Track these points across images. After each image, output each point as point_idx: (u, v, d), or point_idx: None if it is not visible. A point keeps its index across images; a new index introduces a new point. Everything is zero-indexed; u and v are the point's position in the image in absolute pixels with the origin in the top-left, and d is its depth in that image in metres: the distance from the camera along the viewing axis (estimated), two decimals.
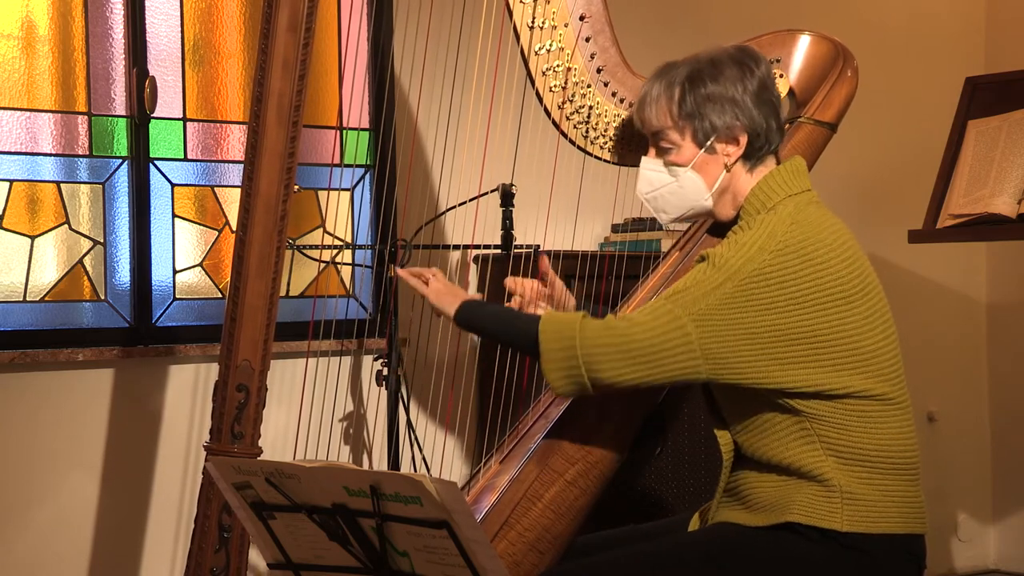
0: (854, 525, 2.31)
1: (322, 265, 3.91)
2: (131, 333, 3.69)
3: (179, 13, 3.79)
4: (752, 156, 2.44)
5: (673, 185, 2.47)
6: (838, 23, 3.74)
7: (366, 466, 3.86)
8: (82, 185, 3.68)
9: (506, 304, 2.72)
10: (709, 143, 2.42)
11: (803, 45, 2.91)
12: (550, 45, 2.70)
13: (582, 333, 2.34)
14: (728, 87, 2.40)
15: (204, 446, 2.90)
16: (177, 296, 3.79)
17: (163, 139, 3.78)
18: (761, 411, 2.36)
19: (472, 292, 2.61)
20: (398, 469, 3.59)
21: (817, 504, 2.32)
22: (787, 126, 2.92)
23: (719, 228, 2.52)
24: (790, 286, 2.28)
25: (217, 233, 3.87)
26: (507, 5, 2.69)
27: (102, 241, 3.69)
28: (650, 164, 2.50)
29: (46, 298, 3.63)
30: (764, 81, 2.43)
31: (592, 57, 2.73)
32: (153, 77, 3.71)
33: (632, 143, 2.75)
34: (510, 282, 2.72)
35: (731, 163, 2.43)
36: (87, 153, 3.68)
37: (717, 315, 2.28)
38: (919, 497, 2.39)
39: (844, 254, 2.34)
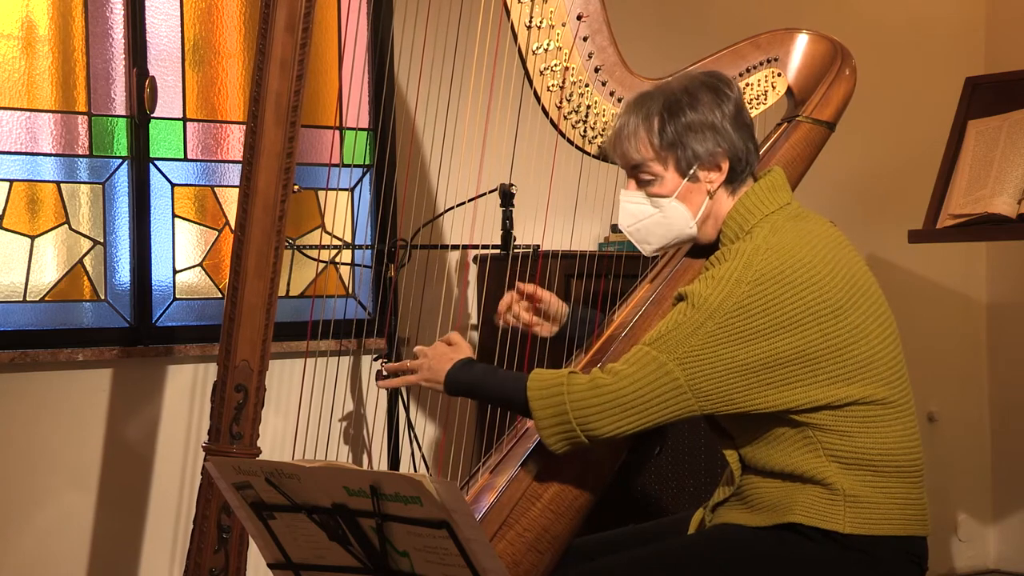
0: (856, 527, 2.31)
1: (321, 265, 3.91)
2: (131, 333, 3.69)
3: (179, 13, 3.79)
4: (734, 180, 2.43)
5: (657, 216, 2.46)
6: (837, 23, 3.75)
7: (366, 466, 3.86)
8: (82, 185, 3.68)
9: (504, 299, 2.73)
10: (692, 171, 2.42)
11: (801, 44, 2.91)
12: (548, 44, 2.70)
13: (571, 397, 2.33)
14: (707, 114, 2.39)
15: (203, 446, 2.90)
16: (177, 296, 3.79)
17: (163, 139, 3.78)
18: (764, 426, 2.35)
19: (464, 347, 2.59)
20: (398, 469, 3.59)
21: (819, 505, 2.32)
22: (785, 125, 2.93)
23: (700, 248, 2.52)
24: (773, 312, 2.27)
25: (217, 233, 3.87)
26: (505, 4, 2.69)
27: (102, 241, 3.69)
28: (631, 197, 2.48)
29: (46, 298, 3.63)
30: (739, 104, 2.43)
31: (590, 56, 2.73)
32: (153, 77, 3.71)
33: None
34: (504, 303, 2.71)
35: (714, 189, 2.43)
36: (87, 153, 3.68)
37: (702, 354, 2.27)
38: (922, 499, 2.39)
39: (825, 269, 2.32)
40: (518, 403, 2.41)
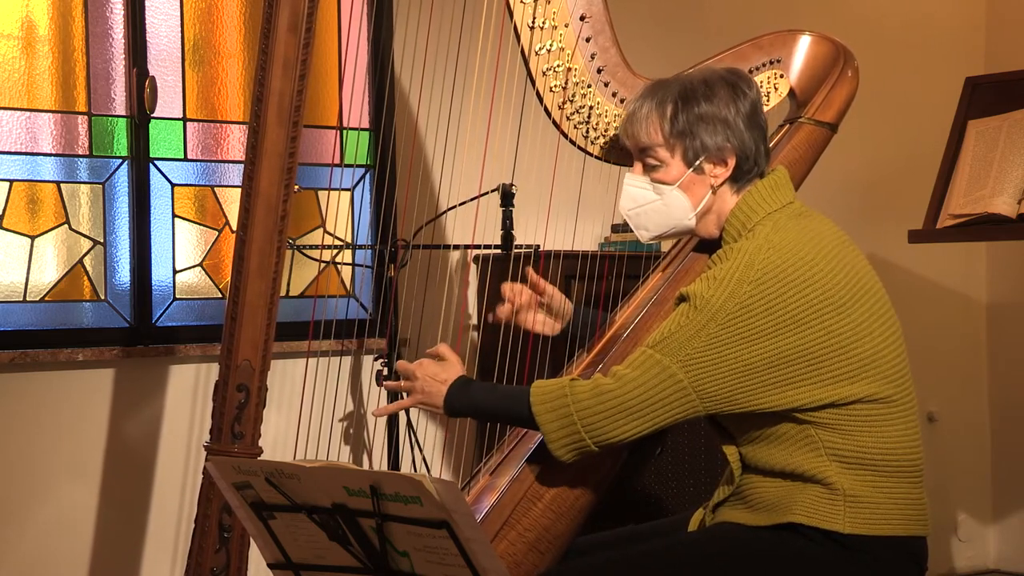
0: (856, 527, 2.31)
1: (322, 265, 3.91)
2: (131, 333, 3.69)
3: (179, 13, 3.79)
4: (740, 179, 2.43)
5: (658, 203, 2.47)
6: (838, 23, 3.75)
7: (366, 466, 3.86)
8: (82, 185, 3.68)
9: (497, 308, 2.72)
10: (698, 163, 2.42)
11: (804, 45, 2.91)
12: (550, 45, 2.70)
13: (577, 406, 2.33)
14: (721, 108, 2.40)
15: (204, 446, 2.90)
16: (177, 296, 3.79)
17: (163, 139, 3.78)
18: (766, 425, 2.35)
19: (454, 361, 2.55)
20: (398, 469, 3.59)
21: (819, 505, 2.31)
22: (787, 126, 2.93)
23: (707, 243, 2.52)
24: (776, 311, 2.27)
25: (217, 233, 3.87)
26: (507, 5, 2.69)
27: (102, 241, 3.69)
28: (635, 181, 2.49)
29: (46, 298, 3.63)
30: (756, 104, 2.43)
31: (592, 57, 2.73)
32: (153, 77, 3.71)
33: None
34: (507, 288, 2.72)
35: (718, 184, 2.43)
36: (87, 153, 3.68)
37: (706, 357, 2.27)
38: (922, 499, 2.38)
39: (828, 265, 2.32)
40: (523, 418, 2.41)
